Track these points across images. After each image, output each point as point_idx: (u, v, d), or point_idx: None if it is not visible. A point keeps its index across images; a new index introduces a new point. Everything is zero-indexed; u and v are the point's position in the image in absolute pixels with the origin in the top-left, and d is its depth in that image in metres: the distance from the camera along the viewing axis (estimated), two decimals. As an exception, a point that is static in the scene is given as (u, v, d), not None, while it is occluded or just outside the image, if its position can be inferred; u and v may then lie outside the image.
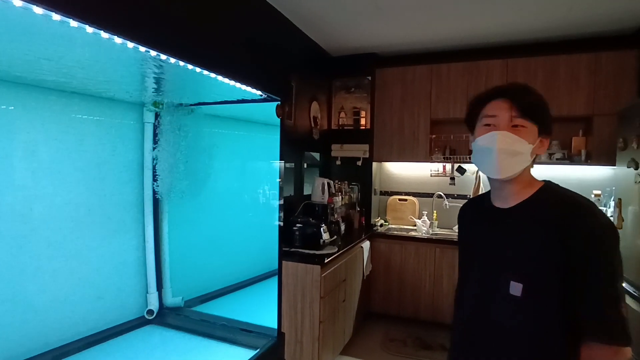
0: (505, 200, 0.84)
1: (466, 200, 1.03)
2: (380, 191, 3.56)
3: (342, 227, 2.91)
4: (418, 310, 2.96)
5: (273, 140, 3.18)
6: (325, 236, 2.44)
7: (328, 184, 2.80)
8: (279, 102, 1.94)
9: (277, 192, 2.82)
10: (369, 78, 3.29)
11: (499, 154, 0.78)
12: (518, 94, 0.80)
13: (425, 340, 2.77)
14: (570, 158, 2.80)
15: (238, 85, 1.58)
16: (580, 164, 2.75)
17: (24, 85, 1.62)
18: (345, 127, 3.39)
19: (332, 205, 2.81)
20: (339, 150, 3.37)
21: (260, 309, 2.31)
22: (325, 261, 2.18)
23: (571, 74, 2.73)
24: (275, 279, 2.08)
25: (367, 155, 3.29)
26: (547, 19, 2.50)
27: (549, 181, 0.83)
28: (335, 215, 2.88)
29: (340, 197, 2.93)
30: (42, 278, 1.74)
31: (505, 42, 2.92)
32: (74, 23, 0.81)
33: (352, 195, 3.18)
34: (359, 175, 3.31)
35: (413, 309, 2.98)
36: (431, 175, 3.33)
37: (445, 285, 2.89)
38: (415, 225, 3.25)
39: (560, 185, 0.82)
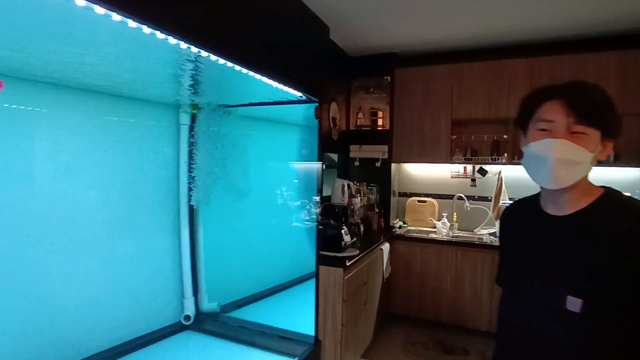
0: (560, 208, 0.77)
1: (510, 203, 0.98)
2: (399, 192, 3.52)
3: (361, 229, 2.89)
4: (439, 313, 2.92)
5: (293, 140, 3.17)
6: (346, 238, 2.42)
7: (348, 185, 2.78)
8: (317, 104, 1.92)
9: (306, 194, 2.81)
10: (388, 78, 3.25)
11: (555, 163, 0.71)
12: (577, 96, 0.73)
13: (447, 343, 2.73)
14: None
15: (280, 86, 1.56)
16: (609, 166, 2.68)
17: (61, 86, 1.62)
18: (363, 128, 3.36)
19: (352, 207, 2.78)
20: (357, 151, 3.34)
21: (295, 314, 2.29)
22: (347, 264, 2.16)
23: (599, 73, 2.66)
24: (308, 284, 2.06)
25: (386, 156, 3.26)
26: (573, 16, 2.44)
27: (609, 187, 0.78)
28: (355, 217, 2.85)
29: (359, 198, 2.91)
30: (78, 282, 1.74)
31: (530, 40, 2.86)
32: (116, 17, 0.79)
33: (370, 196, 3.15)
34: (378, 176, 3.27)
35: (434, 311, 2.94)
36: (452, 177, 3.28)
37: (467, 288, 2.84)
38: (434, 227, 3.20)
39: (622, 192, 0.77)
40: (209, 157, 2.22)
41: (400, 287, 3.05)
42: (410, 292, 3.02)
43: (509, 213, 0.94)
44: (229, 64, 1.22)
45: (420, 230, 3.28)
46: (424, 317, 2.97)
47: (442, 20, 2.56)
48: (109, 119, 1.84)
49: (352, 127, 3.38)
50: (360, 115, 3.37)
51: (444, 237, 3.02)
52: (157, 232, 2.12)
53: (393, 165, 3.30)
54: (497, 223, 2.93)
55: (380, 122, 3.30)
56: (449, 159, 3.08)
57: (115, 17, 0.80)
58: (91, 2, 0.73)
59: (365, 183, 3.10)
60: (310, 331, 1.99)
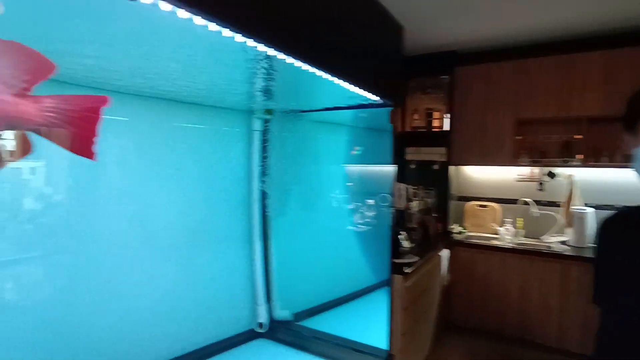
0: None
1: (611, 213, 0.88)
2: (458, 196, 3.37)
3: (419, 234, 2.79)
4: (503, 325, 2.75)
5: (342, 141, 3.14)
6: (405, 244, 2.35)
7: (406, 189, 2.70)
8: (392, 108, 1.88)
9: (364, 198, 2.77)
10: (447, 77, 3.13)
11: None
12: None
13: (512, 358, 2.56)
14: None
15: (356, 90, 1.55)
16: None
17: (142, 96, 1.69)
18: (419, 129, 3.26)
19: (409, 211, 2.70)
20: (414, 154, 3.24)
21: (365, 325, 2.24)
22: (407, 270, 2.09)
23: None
24: (378, 293, 2.01)
25: (444, 159, 3.13)
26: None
27: None
28: (412, 222, 2.77)
29: (416, 202, 2.82)
30: (156, 288, 1.80)
31: (606, 31, 2.61)
32: (199, 21, 0.81)
33: (427, 200, 3.04)
34: (435, 179, 3.15)
35: (497, 323, 2.77)
36: (516, 180, 3.08)
37: (535, 299, 2.64)
38: (497, 234, 3.02)
39: None
40: (281, 163, 2.24)
41: (460, 295, 2.91)
42: (471, 302, 2.87)
43: (612, 223, 0.85)
44: (305, 67, 1.22)
45: (481, 236, 3.12)
46: (486, 328, 2.81)
47: (506, 14, 2.41)
48: (184, 128, 1.89)
49: (407, 129, 3.30)
50: (416, 116, 3.28)
51: (508, 244, 2.84)
52: (230, 239, 2.15)
53: (451, 167, 3.17)
54: (572, 231, 2.71)
55: (436, 123, 3.19)
56: (514, 161, 2.90)
57: (198, 20, 0.81)
58: (176, 6, 0.74)
59: (422, 186, 3.00)
60: (382, 344, 1.94)
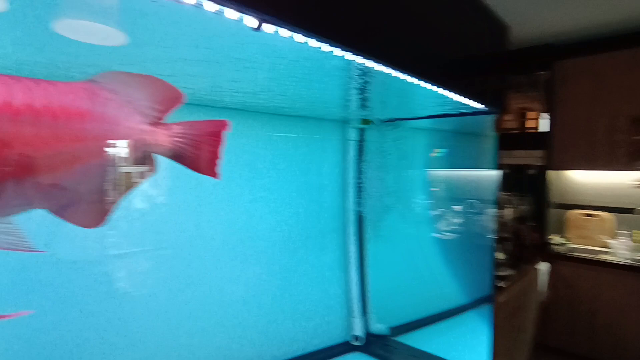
0: None
1: None
2: (558, 204, 3.03)
3: (513, 245, 2.57)
4: (619, 355, 2.40)
5: (428, 145, 3.00)
6: (499, 255, 2.17)
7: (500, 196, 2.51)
8: (496, 115, 1.78)
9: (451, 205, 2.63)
10: (545, 73, 2.84)
11: None
12: None
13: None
14: None
15: (459, 98, 1.49)
16: None
17: (241, 111, 1.79)
18: (512, 131, 3.00)
19: (502, 219, 2.50)
20: (507, 157, 3.00)
21: (461, 344, 2.12)
22: (501, 284, 1.93)
23: None
24: (471, 308, 1.90)
25: (541, 162, 2.84)
26: None
27: None
28: (505, 231, 2.56)
29: (509, 210, 2.60)
30: (250, 292, 1.86)
31: None
32: (299, 38, 0.82)
33: (522, 208, 2.79)
34: (530, 184, 2.88)
35: (611, 351, 2.43)
36: (633, 187, 2.68)
37: (660, 327, 2.27)
38: (608, 247, 2.65)
39: None
40: (378, 172, 2.22)
41: (561, 316, 2.61)
42: (575, 324, 2.56)
43: None
44: (410, 80, 1.20)
45: (587, 249, 2.76)
46: (595, 356, 2.48)
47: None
48: (279, 139, 1.96)
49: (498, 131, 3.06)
50: (508, 117, 3.03)
51: (624, 260, 2.47)
52: (324, 247, 2.16)
53: (550, 172, 2.86)
54: None
55: (531, 124, 2.91)
56: (629, 165, 2.52)
57: (298, 38, 0.83)
58: (295, 32, 0.77)
59: (515, 193, 2.76)
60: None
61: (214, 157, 0.79)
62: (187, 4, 0.59)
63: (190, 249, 1.70)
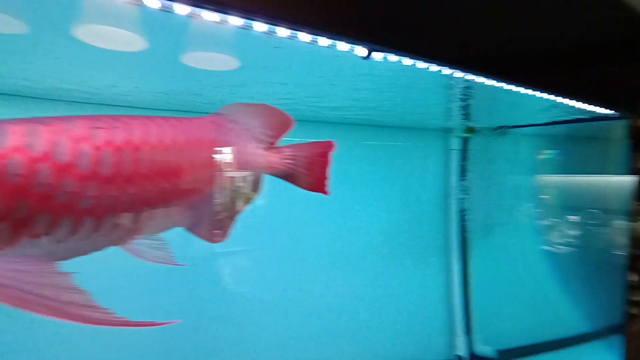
0: None
1: None
2: None
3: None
4: None
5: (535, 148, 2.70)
6: (632, 277, 1.87)
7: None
8: (630, 119, 1.58)
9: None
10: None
11: None
12: None
13: None
14: None
15: (579, 105, 1.37)
16: None
17: (337, 124, 1.84)
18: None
19: (637, 234, 2.14)
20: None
21: None
22: (635, 311, 1.66)
23: None
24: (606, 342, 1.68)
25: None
26: None
27: None
28: (637, 247, 2.18)
29: (642, 223, 2.21)
30: (345, 302, 1.86)
31: None
32: (407, 61, 0.83)
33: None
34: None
35: None
36: None
37: None
38: None
39: None
40: (484, 184, 2.11)
41: None
42: None
43: None
44: (517, 90, 1.13)
45: None
46: None
47: None
48: (377, 149, 1.96)
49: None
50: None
51: None
52: (425, 260, 2.10)
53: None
54: None
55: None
56: None
57: (406, 61, 0.83)
58: (403, 56, 0.78)
59: (651, 202, 2.34)
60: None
61: (323, 177, 0.84)
62: (304, 41, 0.64)
63: (287, 253, 1.77)
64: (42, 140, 0.47)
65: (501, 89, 1.16)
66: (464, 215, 2.11)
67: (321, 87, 1.27)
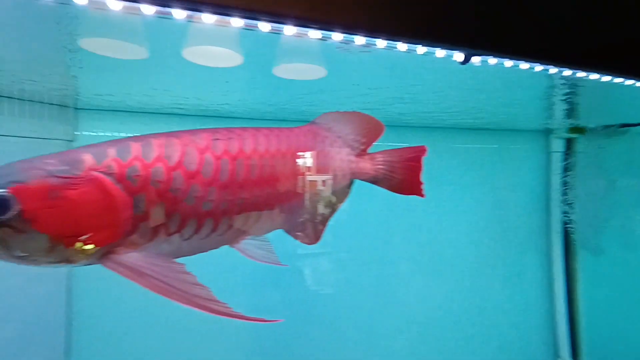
0: None
1: None
2: None
3: None
4: None
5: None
6: None
7: None
8: None
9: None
10: None
11: None
12: None
13: None
14: None
15: None
16: None
17: (429, 128, 1.81)
18: None
19: None
20: None
21: None
22: None
23: None
24: None
25: None
26: None
27: None
28: None
29: None
30: (439, 316, 1.81)
31: None
32: (524, 65, 0.78)
33: None
34: None
35: None
36: None
37: None
38: None
39: None
40: (594, 189, 1.90)
41: None
42: None
43: None
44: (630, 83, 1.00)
45: None
46: None
47: None
48: (469, 154, 1.89)
49: None
50: None
51: None
52: (523, 273, 1.95)
53: None
54: None
55: None
56: None
57: (523, 65, 0.80)
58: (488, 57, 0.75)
59: None
60: None
61: (416, 181, 0.84)
62: (400, 50, 0.65)
63: (376, 258, 1.77)
64: (176, 151, 0.55)
65: (617, 84, 1.03)
66: (569, 223, 1.89)
67: (410, 91, 1.26)
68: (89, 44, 0.83)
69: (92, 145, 0.53)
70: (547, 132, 1.95)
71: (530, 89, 1.25)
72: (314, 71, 1.07)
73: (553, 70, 0.84)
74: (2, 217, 0.45)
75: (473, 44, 0.64)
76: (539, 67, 0.81)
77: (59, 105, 1.27)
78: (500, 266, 1.90)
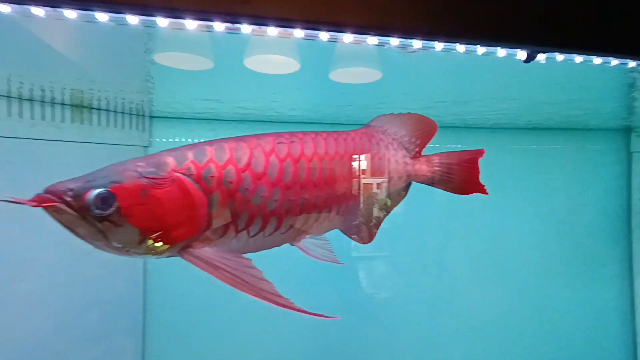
0: None
1: None
2: None
3: None
4: None
5: None
6: None
7: None
8: None
9: None
10: None
11: None
12: None
13: None
14: None
15: None
16: None
17: (495, 129, 1.77)
18: None
19: None
20: None
21: None
22: None
23: None
24: None
25: None
26: None
27: None
28: None
29: None
30: (503, 325, 1.76)
31: None
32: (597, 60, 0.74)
33: None
34: None
35: None
36: None
37: None
38: None
39: None
40: None
41: None
42: None
43: None
44: None
45: None
46: None
47: None
48: (538, 154, 1.82)
49: None
50: None
51: None
52: (598, 280, 1.83)
53: None
54: None
55: None
56: None
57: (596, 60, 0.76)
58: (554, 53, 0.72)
59: None
60: None
61: (475, 182, 0.83)
62: (459, 51, 0.65)
63: (435, 262, 1.74)
64: (245, 154, 0.60)
65: None
66: None
67: (468, 91, 1.23)
68: (162, 58, 0.92)
69: (173, 149, 0.60)
70: (628, 130, 1.80)
71: (608, 84, 1.17)
72: (369, 74, 1.09)
73: (632, 63, 0.78)
74: (104, 212, 0.53)
75: (538, 42, 0.62)
76: (615, 62, 0.76)
77: (136, 114, 1.41)
78: (571, 273, 1.78)
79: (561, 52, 0.70)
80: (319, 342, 1.66)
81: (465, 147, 1.70)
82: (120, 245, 0.55)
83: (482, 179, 1.77)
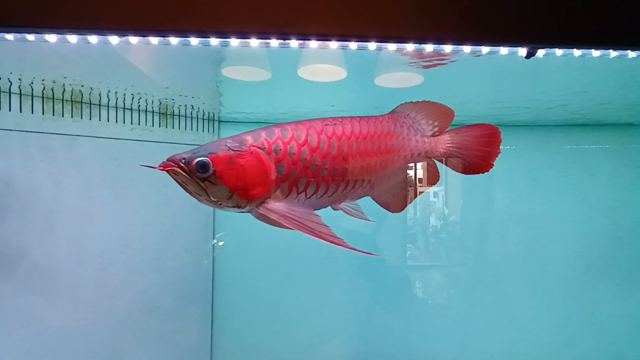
0: None
1: None
2: None
3: None
4: None
5: None
6: None
7: None
8: None
9: None
10: None
11: None
12: None
13: None
14: None
15: None
16: None
17: (533, 126, 1.79)
18: None
19: None
20: None
21: None
22: None
23: None
24: None
25: None
26: None
27: None
28: None
29: None
30: (550, 320, 1.79)
31: None
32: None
33: None
34: None
35: None
36: None
37: None
38: None
39: None
40: None
41: None
42: None
43: None
44: None
45: None
46: None
47: None
48: (577, 151, 1.81)
49: None
50: None
51: None
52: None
53: None
54: None
55: None
56: None
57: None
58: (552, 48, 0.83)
59: None
60: None
61: (487, 157, 0.96)
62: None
63: (484, 270, 1.77)
64: (303, 133, 0.80)
65: None
66: None
67: (506, 92, 1.34)
68: (228, 72, 1.14)
69: (251, 131, 0.81)
70: None
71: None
72: (412, 79, 1.23)
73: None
74: (205, 174, 0.75)
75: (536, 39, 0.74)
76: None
77: (207, 119, 1.68)
78: (614, 272, 1.76)
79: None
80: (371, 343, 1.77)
81: (518, 146, 1.75)
82: (215, 200, 0.77)
83: (523, 184, 1.81)
